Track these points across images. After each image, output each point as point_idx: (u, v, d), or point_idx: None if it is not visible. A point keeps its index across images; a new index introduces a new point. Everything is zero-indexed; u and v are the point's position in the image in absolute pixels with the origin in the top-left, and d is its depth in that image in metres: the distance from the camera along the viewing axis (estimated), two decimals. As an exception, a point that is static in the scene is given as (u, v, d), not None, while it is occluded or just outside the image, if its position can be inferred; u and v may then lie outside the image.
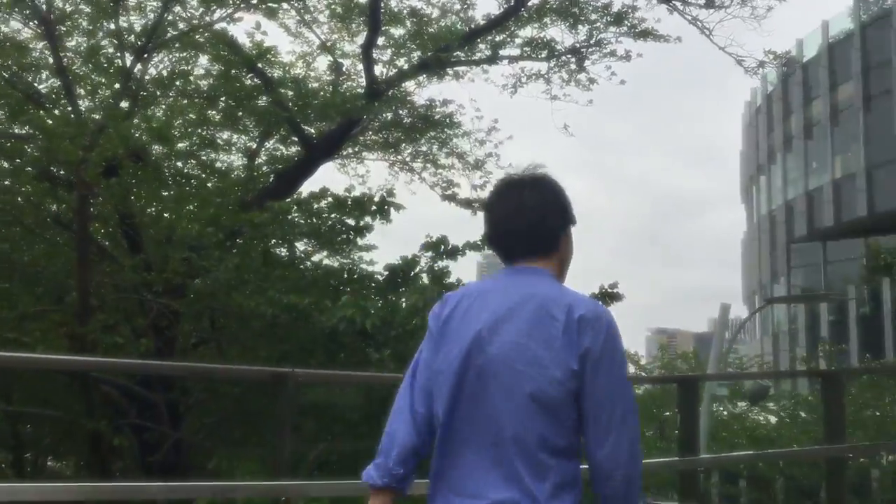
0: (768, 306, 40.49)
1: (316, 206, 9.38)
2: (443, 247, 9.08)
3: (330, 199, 9.37)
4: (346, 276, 9.52)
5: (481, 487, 1.96)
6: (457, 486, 1.99)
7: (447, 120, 12.37)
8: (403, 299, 8.09)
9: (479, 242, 9.20)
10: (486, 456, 1.97)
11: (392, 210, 9.36)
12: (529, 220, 2.09)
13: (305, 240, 9.85)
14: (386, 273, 9.03)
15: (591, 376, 1.93)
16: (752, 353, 32.91)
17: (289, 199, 9.76)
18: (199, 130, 11.22)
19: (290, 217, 8.91)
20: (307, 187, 10.84)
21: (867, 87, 31.74)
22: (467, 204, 12.40)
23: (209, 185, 10.62)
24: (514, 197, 2.12)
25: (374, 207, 9.35)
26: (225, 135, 11.94)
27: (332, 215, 9.40)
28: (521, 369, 1.95)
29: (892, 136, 30.38)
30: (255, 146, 12.03)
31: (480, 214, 11.22)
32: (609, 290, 9.14)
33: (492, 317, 2.01)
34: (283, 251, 9.69)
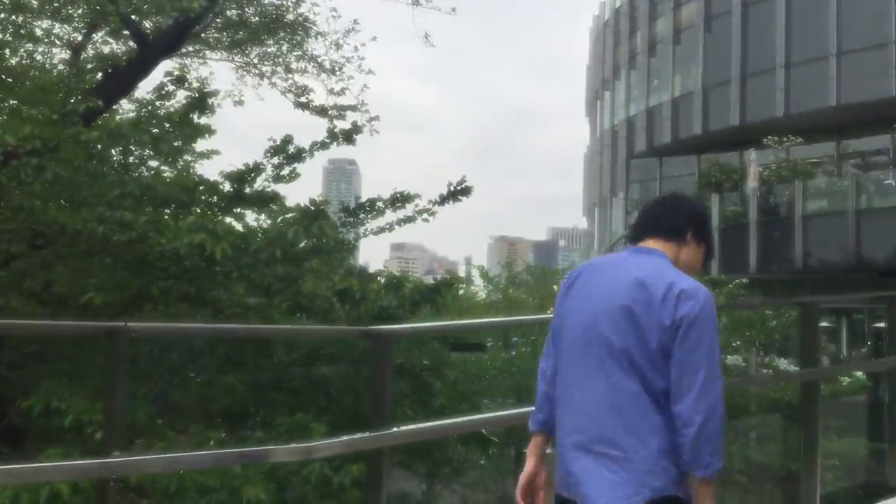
0: (606, 215, 42.00)
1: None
2: (290, 148, 8.39)
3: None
4: (186, 187, 8.60)
5: (591, 424, 2.34)
6: (573, 425, 2.39)
7: (300, 19, 11.38)
8: (259, 220, 7.38)
9: (326, 140, 8.56)
10: (594, 398, 2.35)
11: (211, 104, 8.63)
12: (660, 209, 2.51)
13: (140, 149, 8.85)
14: (227, 184, 8.23)
15: (685, 342, 2.23)
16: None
17: (122, 114, 8.71)
18: (13, 17, 9.77)
19: (123, 132, 7.85)
20: (144, 87, 9.76)
21: (709, 8, 32.58)
22: (322, 112, 11.54)
23: (27, 82, 9.29)
24: (662, 199, 2.57)
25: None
26: (45, 24, 10.49)
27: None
28: (624, 330, 2.29)
29: (729, 58, 31.49)
30: (80, 39, 10.65)
31: (339, 123, 10.75)
32: (458, 188, 8.88)
33: (604, 284, 2.38)
34: (116, 159, 8.68)
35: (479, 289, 22.61)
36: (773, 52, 30.63)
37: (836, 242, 28.01)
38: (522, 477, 2.53)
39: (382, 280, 7.67)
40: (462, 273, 26.89)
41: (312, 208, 7.23)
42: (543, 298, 20.24)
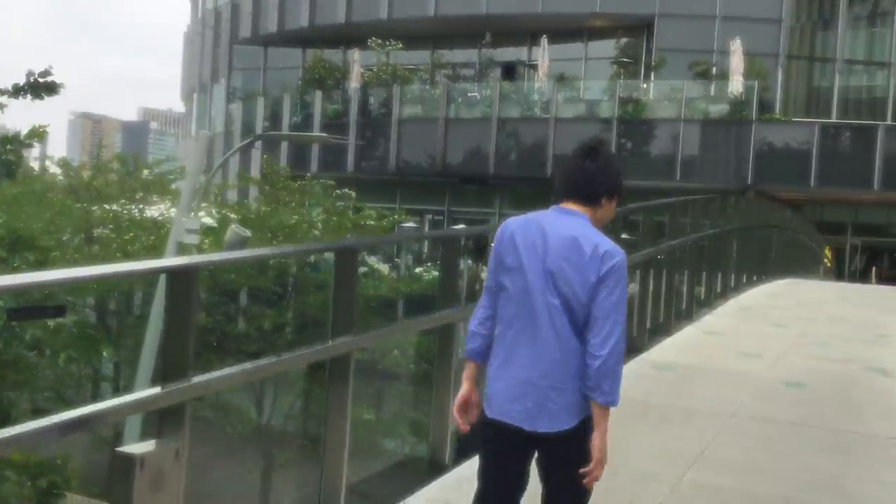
0: (206, 101, 39.72)
1: None
2: None
3: None
4: None
5: (534, 360, 2.76)
6: (518, 360, 2.78)
7: None
8: None
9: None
10: (537, 336, 2.76)
11: None
12: (584, 176, 2.87)
13: None
14: None
15: (602, 289, 2.69)
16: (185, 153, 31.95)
17: None
18: None
19: None
20: None
21: None
22: None
23: None
24: (581, 162, 2.89)
25: None
26: None
27: None
28: (561, 280, 2.73)
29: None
30: None
31: None
32: (41, 80, 8.00)
33: (541, 241, 2.79)
34: None
35: (59, 177, 19.82)
36: (380, -47, 30.78)
37: (426, 148, 29.65)
38: (459, 398, 2.92)
39: None
40: (35, 163, 23.17)
41: None
42: (133, 191, 18.30)
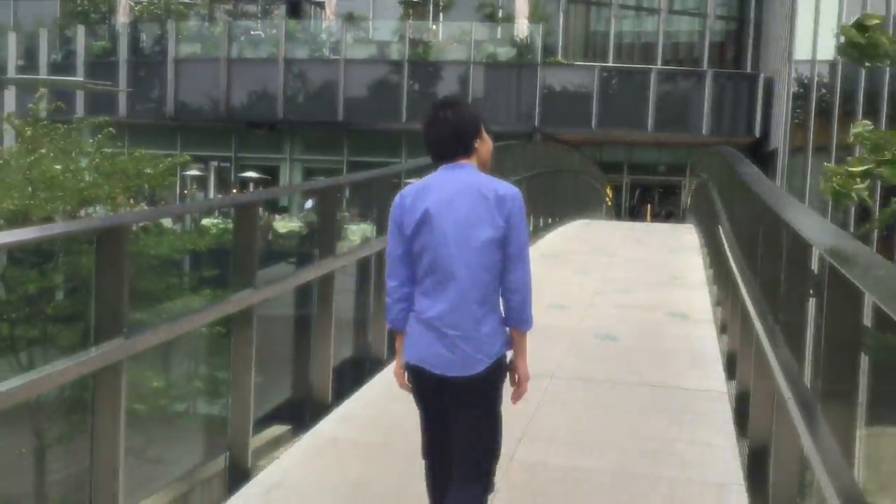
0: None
1: None
2: None
3: None
4: None
5: (449, 313, 2.91)
6: (434, 314, 2.92)
7: None
8: None
9: None
10: (452, 290, 2.90)
11: None
12: (451, 131, 3.00)
13: None
14: None
15: (511, 230, 2.89)
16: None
17: None
18: None
19: None
20: None
21: None
22: None
23: None
24: (440, 116, 3.02)
25: None
26: None
27: None
28: (472, 230, 2.89)
29: None
30: None
31: None
32: None
33: (445, 198, 2.92)
34: None
35: None
36: None
37: (208, 91, 27.68)
38: (396, 368, 3.12)
39: None
40: None
41: None
42: None
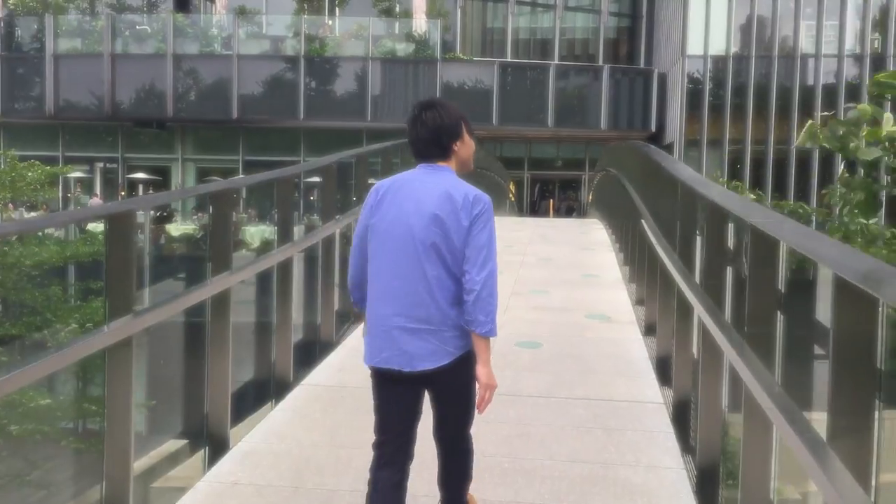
0: None
1: None
2: None
3: None
4: None
5: (410, 307, 2.96)
6: (394, 308, 2.97)
7: None
8: None
9: None
10: (412, 284, 2.96)
11: None
12: (430, 134, 3.07)
13: None
14: None
15: (474, 230, 2.94)
16: None
17: None
18: None
19: None
20: None
21: None
22: None
23: None
24: (421, 117, 3.09)
25: None
26: None
27: None
28: (437, 228, 2.94)
29: None
30: None
31: None
32: None
33: (415, 195, 3.00)
34: None
35: None
36: None
37: (91, 88, 26.03)
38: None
39: None
40: None
41: None
42: None
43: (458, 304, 2.93)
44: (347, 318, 7.21)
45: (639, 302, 7.53)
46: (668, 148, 26.05)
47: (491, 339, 2.94)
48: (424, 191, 2.98)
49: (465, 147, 3.11)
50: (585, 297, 8.07)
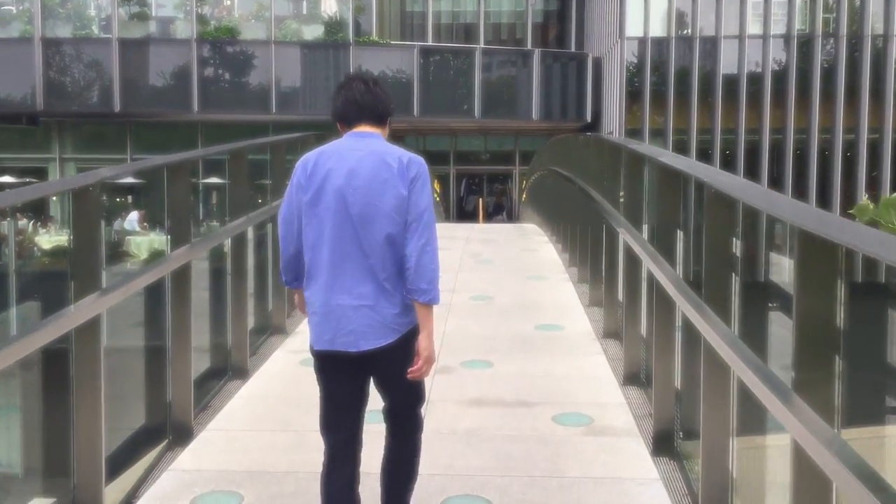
0: None
1: None
2: None
3: None
4: None
5: (352, 283, 3.03)
6: (336, 286, 3.03)
7: None
8: None
9: None
10: (353, 259, 3.03)
11: None
12: (365, 96, 3.16)
13: None
14: None
15: (413, 196, 3.03)
16: None
17: None
18: None
19: None
20: None
21: None
22: None
23: None
24: (361, 85, 3.19)
25: None
26: None
27: None
28: (374, 197, 3.01)
29: None
30: None
31: None
32: None
33: (347, 165, 3.05)
34: None
35: None
36: None
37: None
38: (299, 305, 3.34)
39: None
40: None
41: None
42: None
43: (399, 277, 3.01)
44: (265, 330, 6.59)
45: (629, 381, 5.50)
46: (607, 139, 25.92)
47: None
48: (356, 159, 3.05)
49: (388, 130, 3.26)
50: (553, 383, 5.51)
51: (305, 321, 7.00)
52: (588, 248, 8.24)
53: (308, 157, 3.13)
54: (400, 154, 3.07)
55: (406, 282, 3.00)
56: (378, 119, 3.15)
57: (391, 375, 3.11)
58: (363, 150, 3.07)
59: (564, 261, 10.16)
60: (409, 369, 3.03)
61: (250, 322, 6.19)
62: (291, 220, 3.13)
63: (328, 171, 3.04)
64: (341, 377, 3.10)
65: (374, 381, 3.15)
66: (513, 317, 7.35)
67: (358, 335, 3.00)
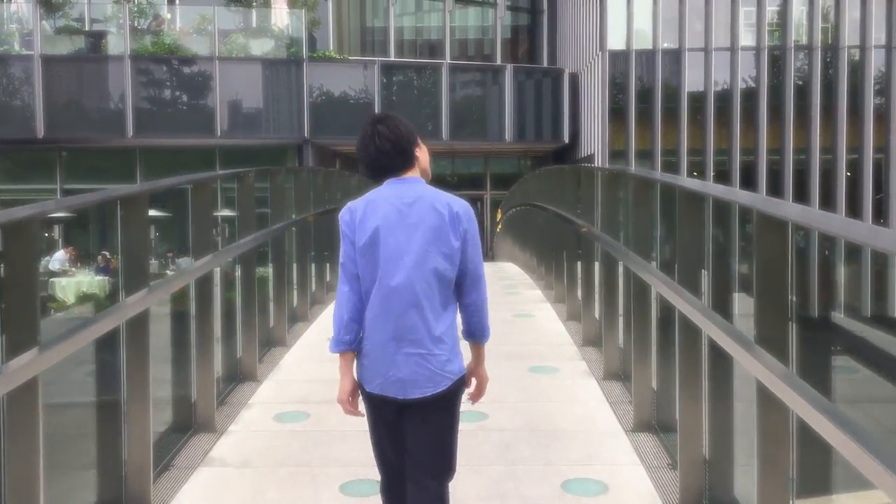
0: None
1: None
2: None
3: None
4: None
5: (403, 331, 3.22)
6: (388, 331, 3.23)
7: None
8: None
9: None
10: (404, 306, 3.22)
11: None
12: (390, 144, 3.32)
13: None
14: None
15: (468, 251, 3.28)
16: None
17: None
18: None
19: None
20: None
21: None
22: None
23: None
24: (376, 130, 3.33)
25: None
26: None
27: None
28: (424, 247, 3.22)
29: None
30: None
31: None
32: None
33: (397, 214, 3.25)
34: None
35: None
36: None
37: None
38: (343, 393, 3.36)
39: None
40: None
41: None
42: None
43: (453, 325, 3.26)
44: (234, 378, 6.27)
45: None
46: (588, 161, 25.75)
47: None
48: (405, 206, 3.25)
49: (423, 153, 3.43)
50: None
51: (280, 366, 6.80)
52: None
53: (355, 207, 3.31)
54: (448, 200, 3.29)
55: (469, 328, 3.35)
56: (408, 160, 3.35)
57: (430, 421, 3.25)
58: (410, 197, 3.27)
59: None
60: (470, 393, 3.41)
61: (217, 369, 5.72)
62: (350, 270, 3.30)
63: (378, 221, 3.22)
64: (387, 416, 3.30)
65: (406, 432, 3.26)
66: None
67: (407, 383, 3.21)
